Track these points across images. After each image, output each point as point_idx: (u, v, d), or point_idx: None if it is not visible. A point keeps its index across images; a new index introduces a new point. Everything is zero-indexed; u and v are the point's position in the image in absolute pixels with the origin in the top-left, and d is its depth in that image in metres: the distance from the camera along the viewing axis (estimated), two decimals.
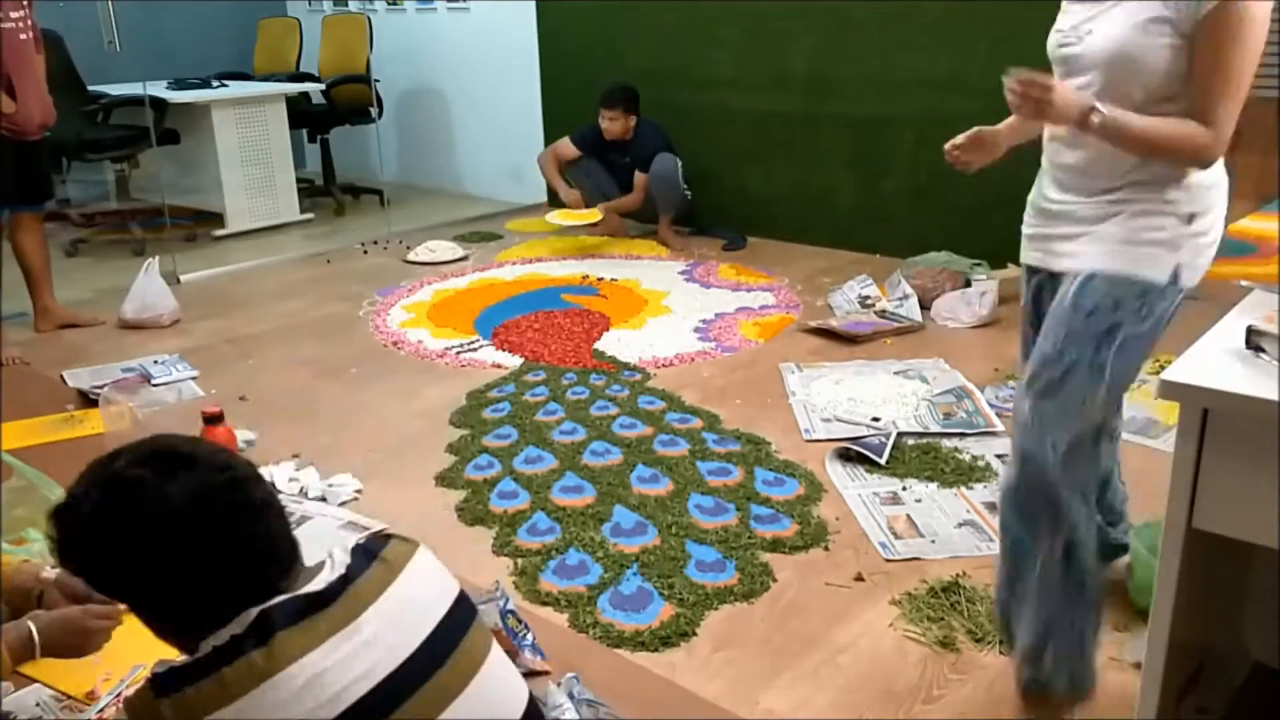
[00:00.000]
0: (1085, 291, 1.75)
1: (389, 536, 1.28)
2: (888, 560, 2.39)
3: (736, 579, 2.32)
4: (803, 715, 1.91)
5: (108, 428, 2.97)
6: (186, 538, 1.11)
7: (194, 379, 3.60)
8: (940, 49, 4.54)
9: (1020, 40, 4.33)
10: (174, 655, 1.15)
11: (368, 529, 2.25)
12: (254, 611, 1.09)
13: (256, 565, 1.14)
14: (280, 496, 1.25)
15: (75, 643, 1.65)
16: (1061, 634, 1.76)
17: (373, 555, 1.22)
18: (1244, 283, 1.74)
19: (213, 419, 2.63)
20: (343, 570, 1.17)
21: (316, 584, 1.14)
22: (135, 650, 2.00)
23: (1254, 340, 1.41)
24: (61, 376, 3.61)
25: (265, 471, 1.56)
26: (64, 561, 1.17)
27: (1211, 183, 1.80)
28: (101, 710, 1.87)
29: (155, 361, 3.74)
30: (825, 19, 4.85)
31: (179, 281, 4.85)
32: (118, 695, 1.89)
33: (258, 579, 1.14)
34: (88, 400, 3.33)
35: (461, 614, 1.25)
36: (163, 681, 1.06)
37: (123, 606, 1.49)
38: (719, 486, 2.75)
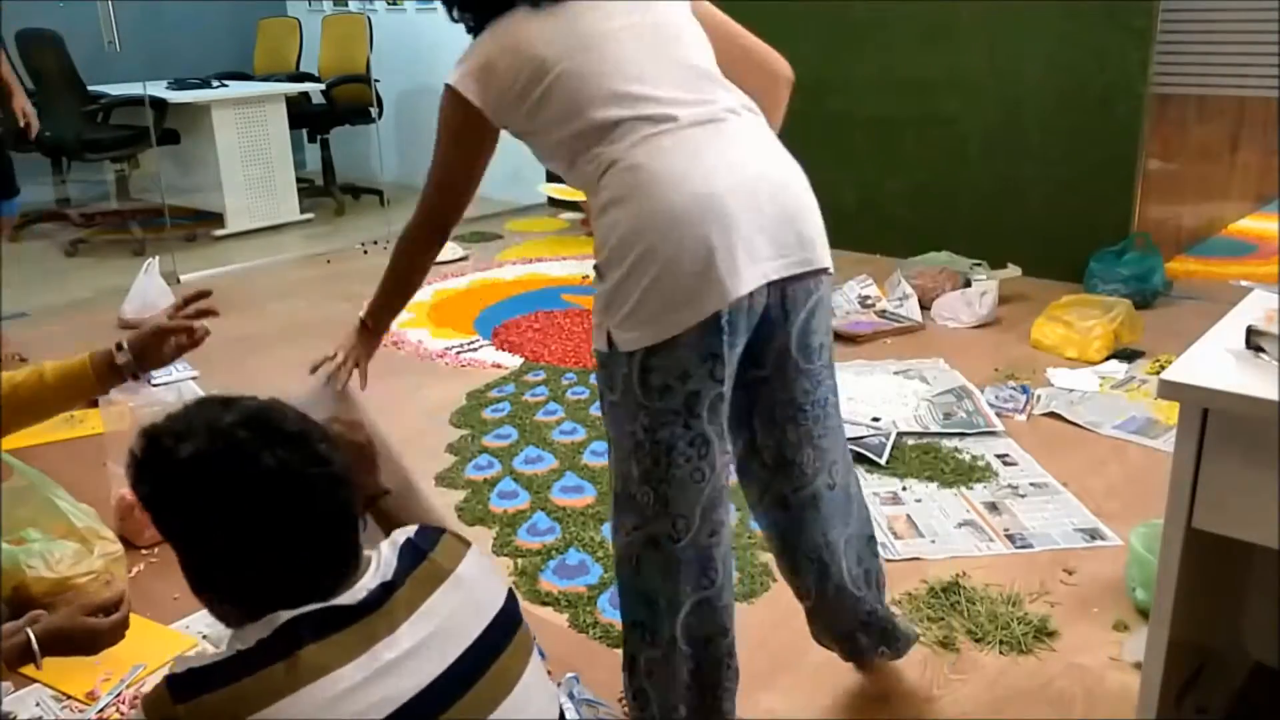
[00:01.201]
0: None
1: (442, 532, 1.25)
2: (888, 560, 2.38)
3: (736, 579, 2.32)
4: (803, 715, 1.91)
5: (107, 427, 2.97)
6: (255, 513, 1.09)
7: (194, 379, 3.60)
8: (940, 49, 4.54)
9: (1020, 40, 4.36)
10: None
11: None
12: (284, 616, 1.07)
13: (310, 564, 1.11)
14: None
15: (82, 643, 1.65)
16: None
17: (422, 555, 1.18)
18: (1244, 283, 1.74)
19: None
20: (388, 576, 1.14)
21: (355, 594, 1.11)
22: (135, 650, 2.00)
23: (1254, 340, 1.41)
24: None
25: None
26: (137, 484, 1.14)
27: (611, 229, 1.53)
28: (101, 710, 1.87)
29: None
30: (825, 20, 4.84)
31: (179, 281, 4.85)
32: (118, 695, 1.89)
33: (307, 579, 1.10)
34: (88, 400, 3.33)
35: (505, 622, 1.21)
36: (180, 686, 1.04)
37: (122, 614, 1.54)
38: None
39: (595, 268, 1.58)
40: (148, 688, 1.91)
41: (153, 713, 1.05)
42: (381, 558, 1.17)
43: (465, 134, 1.61)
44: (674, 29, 1.61)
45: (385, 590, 1.12)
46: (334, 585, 1.12)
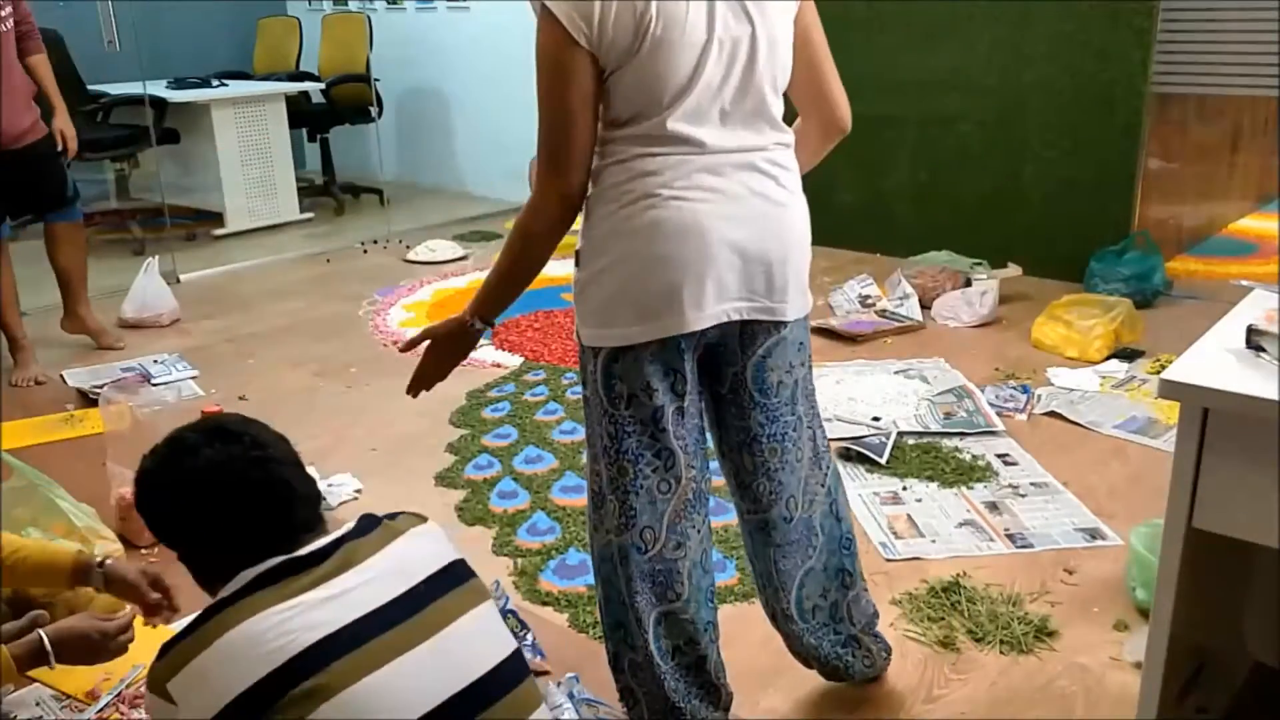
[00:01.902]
0: None
1: (405, 512, 1.38)
2: (888, 560, 2.39)
3: (737, 579, 2.31)
4: (803, 715, 1.91)
5: (107, 427, 2.97)
6: (205, 496, 1.30)
7: (194, 378, 3.61)
8: (940, 49, 4.54)
9: (1020, 40, 4.36)
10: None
11: None
12: (251, 573, 1.23)
13: (263, 531, 1.27)
14: None
15: (88, 650, 1.67)
16: None
17: (377, 521, 1.33)
18: (1244, 282, 1.73)
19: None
20: (341, 533, 1.29)
21: (306, 548, 1.26)
22: (135, 650, 2.00)
23: (1254, 340, 1.41)
24: (61, 376, 3.61)
25: None
26: (137, 506, 1.37)
27: (601, 220, 1.54)
28: (101, 710, 1.87)
29: (155, 361, 3.74)
30: (826, 19, 4.83)
31: (179, 281, 4.85)
32: (118, 695, 1.89)
33: (262, 543, 1.26)
34: (87, 400, 3.33)
35: (450, 573, 1.32)
36: (164, 646, 1.22)
37: (128, 612, 1.75)
38: (719, 486, 2.74)
39: (576, 251, 1.60)
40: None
41: (150, 676, 1.23)
42: (345, 526, 1.32)
43: (564, 62, 1.45)
44: (765, 49, 1.51)
45: (337, 543, 1.27)
46: (286, 545, 1.26)
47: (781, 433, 1.68)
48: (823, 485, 1.78)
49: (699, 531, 1.69)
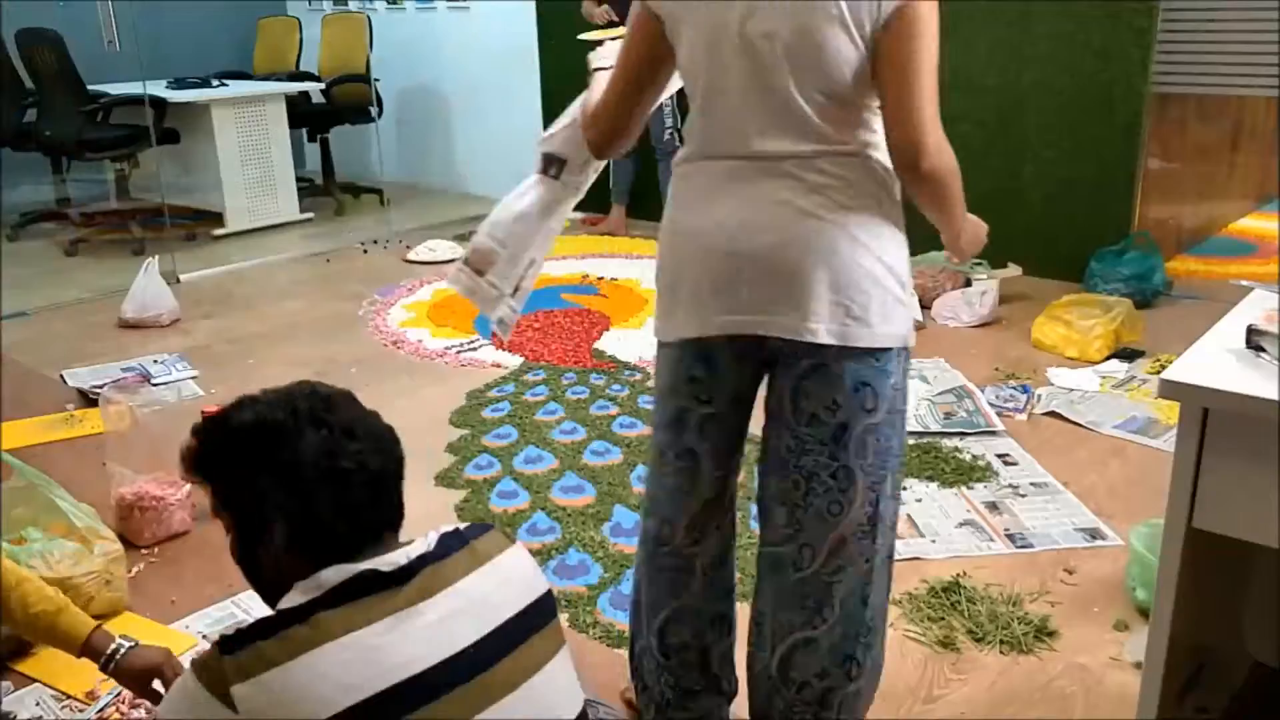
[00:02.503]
0: None
1: (488, 527, 1.30)
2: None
3: (738, 580, 2.31)
4: None
5: (108, 427, 2.97)
6: (286, 482, 1.18)
7: (194, 378, 3.61)
8: (940, 49, 4.53)
9: (1020, 40, 4.36)
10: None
11: None
12: (333, 577, 1.14)
13: (339, 530, 1.18)
14: None
15: (151, 676, 1.67)
16: None
17: (463, 542, 1.24)
18: (1244, 282, 1.73)
19: None
20: (426, 550, 1.20)
21: (389, 562, 1.17)
22: None
23: (1254, 340, 1.41)
24: (61, 376, 3.61)
25: None
26: (196, 469, 1.24)
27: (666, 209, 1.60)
28: (101, 710, 1.87)
29: (155, 361, 3.74)
30: None
31: (179, 281, 4.85)
32: (118, 695, 1.89)
33: (338, 544, 1.17)
34: (87, 400, 3.33)
35: (537, 612, 1.25)
36: (229, 641, 1.11)
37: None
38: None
39: None
40: None
41: (202, 671, 1.11)
42: (426, 540, 1.22)
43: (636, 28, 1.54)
44: (812, 47, 1.41)
45: (420, 562, 1.18)
46: (359, 547, 1.18)
47: (811, 470, 1.53)
48: (867, 562, 1.57)
49: (721, 530, 1.68)
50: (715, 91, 1.48)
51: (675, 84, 1.63)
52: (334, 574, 1.15)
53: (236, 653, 1.09)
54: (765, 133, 1.47)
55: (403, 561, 1.17)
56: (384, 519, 1.24)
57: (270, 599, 1.21)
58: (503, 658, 1.18)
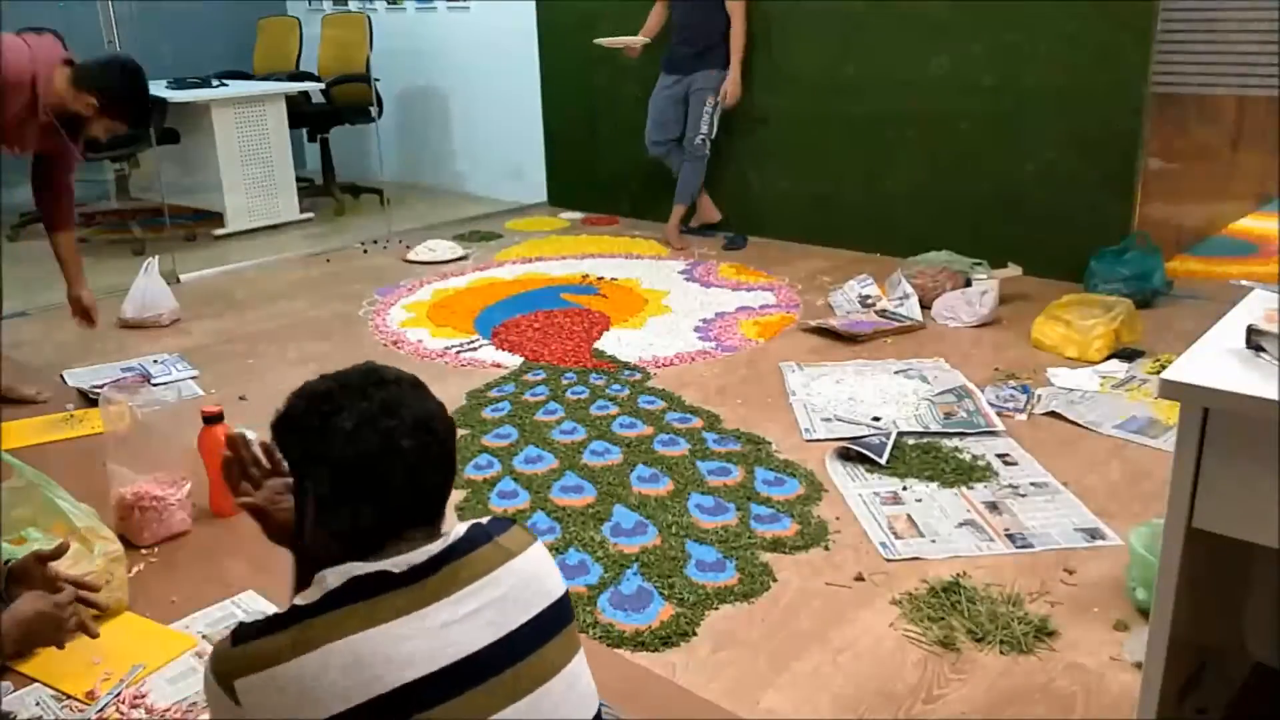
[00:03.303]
0: None
1: (512, 522, 1.30)
2: (888, 560, 2.39)
3: (737, 579, 2.32)
4: (803, 715, 1.91)
5: (107, 427, 2.97)
6: (318, 451, 1.19)
7: (194, 378, 3.61)
8: (940, 49, 4.54)
9: (1020, 40, 4.36)
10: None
11: None
12: (351, 571, 1.14)
13: (364, 510, 1.18)
14: None
15: (46, 634, 1.65)
16: None
17: (489, 536, 1.24)
18: (1244, 282, 1.73)
19: (212, 419, 2.62)
20: (446, 546, 1.19)
21: (411, 558, 1.16)
22: (135, 650, 2.01)
23: (1254, 340, 1.41)
24: (61, 376, 3.61)
25: None
26: (273, 432, 1.28)
27: None
28: (101, 710, 1.87)
29: (155, 361, 3.74)
30: (827, 19, 4.84)
31: (179, 281, 4.86)
32: (118, 695, 1.89)
33: (361, 525, 1.18)
34: (88, 400, 3.33)
35: (558, 613, 1.24)
36: (242, 631, 1.14)
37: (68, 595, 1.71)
38: (719, 486, 2.75)
39: None
40: (147, 688, 1.92)
41: (216, 662, 1.13)
42: (453, 533, 1.22)
43: None
44: None
45: (442, 558, 1.18)
46: (395, 535, 1.18)
47: None
48: None
49: None
50: None
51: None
52: (357, 567, 1.15)
53: (244, 645, 1.11)
54: None
55: (419, 560, 1.16)
56: (417, 505, 1.21)
57: (300, 588, 1.21)
58: (517, 662, 1.17)
